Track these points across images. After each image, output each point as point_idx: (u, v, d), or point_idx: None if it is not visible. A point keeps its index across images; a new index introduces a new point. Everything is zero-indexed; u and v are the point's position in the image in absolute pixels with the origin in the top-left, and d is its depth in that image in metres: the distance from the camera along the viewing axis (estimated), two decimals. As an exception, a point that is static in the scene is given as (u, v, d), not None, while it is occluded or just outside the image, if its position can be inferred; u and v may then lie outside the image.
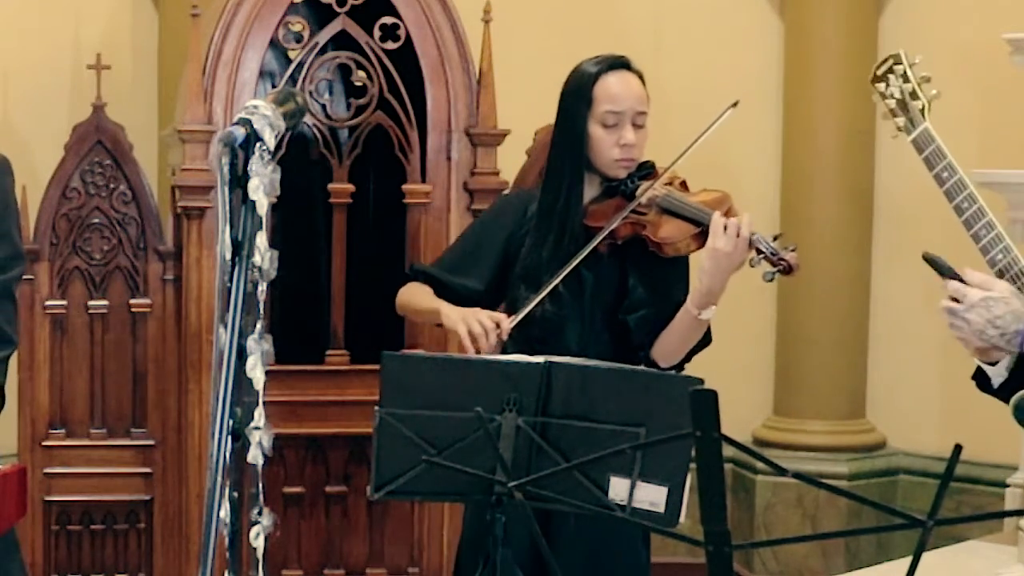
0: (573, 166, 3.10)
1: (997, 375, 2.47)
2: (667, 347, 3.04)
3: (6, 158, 2.44)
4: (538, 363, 2.58)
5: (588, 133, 3.08)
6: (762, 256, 2.93)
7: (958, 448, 1.72)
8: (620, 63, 3.12)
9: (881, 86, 2.72)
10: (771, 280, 2.97)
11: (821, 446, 5.58)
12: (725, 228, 2.92)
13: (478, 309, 3.03)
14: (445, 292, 3.19)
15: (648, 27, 5.79)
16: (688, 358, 3.10)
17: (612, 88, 3.07)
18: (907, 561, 1.74)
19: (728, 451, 1.73)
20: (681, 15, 5.77)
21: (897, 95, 2.69)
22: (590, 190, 3.14)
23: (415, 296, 3.24)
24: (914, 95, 2.69)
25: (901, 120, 2.68)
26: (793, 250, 2.95)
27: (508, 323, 2.99)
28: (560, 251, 3.07)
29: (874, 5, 5.63)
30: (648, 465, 2.50)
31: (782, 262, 2.93)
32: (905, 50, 2.75)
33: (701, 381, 2.29)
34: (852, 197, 5.57)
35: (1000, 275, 2.50)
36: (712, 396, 1.71)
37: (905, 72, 2.71)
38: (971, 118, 5.20)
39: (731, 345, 5.74)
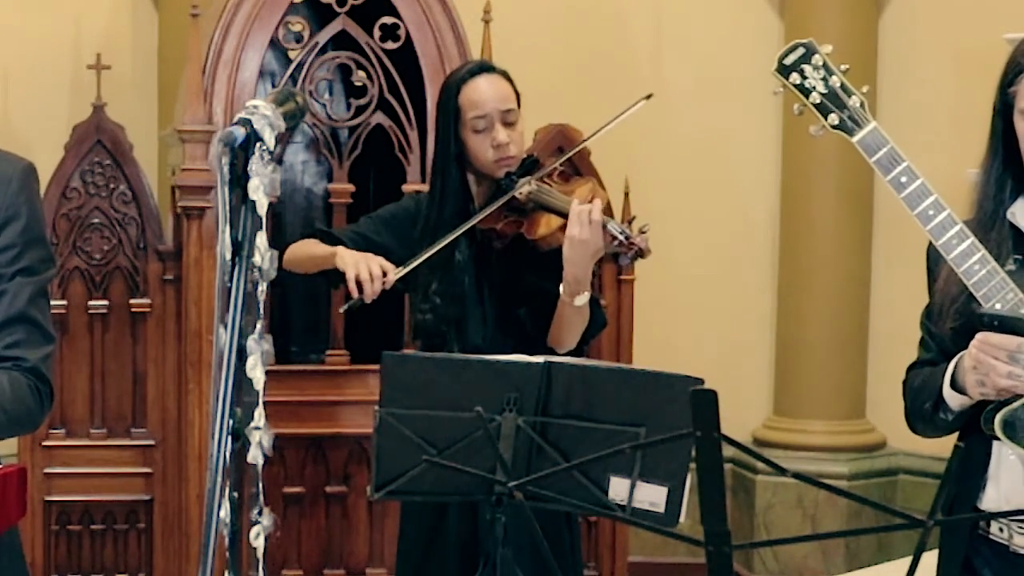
0: (451, 177, 3.15)
1: (962, 405, 2.42)
2: (555, 334, 3.09)
3: (32, 163, 2.42)
4: (538, 363, 2.58)
5: (464, 142, 3.14)
6: (616, 242, 2.95)
7: (958, 448, 1.73)
8: (480, 68, 3.19)
9: (795, 77, 2.42)
10: (627, 264, 2.96)
11: (821, 446, 5.59)
12: (578, 216, 2.95)
13: (373, 255, 3.06)
14: None
15: (648, 27, 5.80)
16: (585, 341, 3.14)
17: (473, 94, 3.13)
18: (907, 561, 1.74)
19: (728, 451, 1.73)
20: (681, 15, 5.77)
21: (822, 89, 2.40)
22: (483, 195, 3.18)
23: (307, 245, 3.24)
24: (846, 90, 2.41)
25: (834, 117, 2.40)
26: (644, 232, 2.96)
27: (393, 275, 3.04)
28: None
29: (874, 5, 5.63)
30: (648, 465, 2.50)
31: (633, 246, 2.94)
32: (813, 38, 2.45)
33: (701, 381, 2.29)
34: (852, 196, 5.57)
35: (977, 288, 2.31)
36: (712, 396, 1.71)
37: (825, 63, 2.41)
38: (971, 118, 5.18)
39: (731, 345, 5.77)
